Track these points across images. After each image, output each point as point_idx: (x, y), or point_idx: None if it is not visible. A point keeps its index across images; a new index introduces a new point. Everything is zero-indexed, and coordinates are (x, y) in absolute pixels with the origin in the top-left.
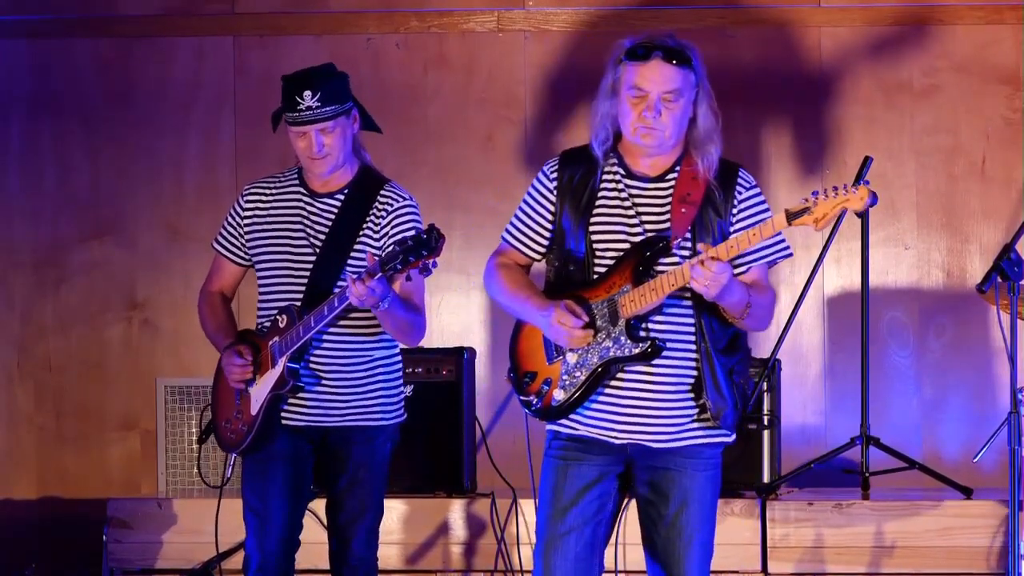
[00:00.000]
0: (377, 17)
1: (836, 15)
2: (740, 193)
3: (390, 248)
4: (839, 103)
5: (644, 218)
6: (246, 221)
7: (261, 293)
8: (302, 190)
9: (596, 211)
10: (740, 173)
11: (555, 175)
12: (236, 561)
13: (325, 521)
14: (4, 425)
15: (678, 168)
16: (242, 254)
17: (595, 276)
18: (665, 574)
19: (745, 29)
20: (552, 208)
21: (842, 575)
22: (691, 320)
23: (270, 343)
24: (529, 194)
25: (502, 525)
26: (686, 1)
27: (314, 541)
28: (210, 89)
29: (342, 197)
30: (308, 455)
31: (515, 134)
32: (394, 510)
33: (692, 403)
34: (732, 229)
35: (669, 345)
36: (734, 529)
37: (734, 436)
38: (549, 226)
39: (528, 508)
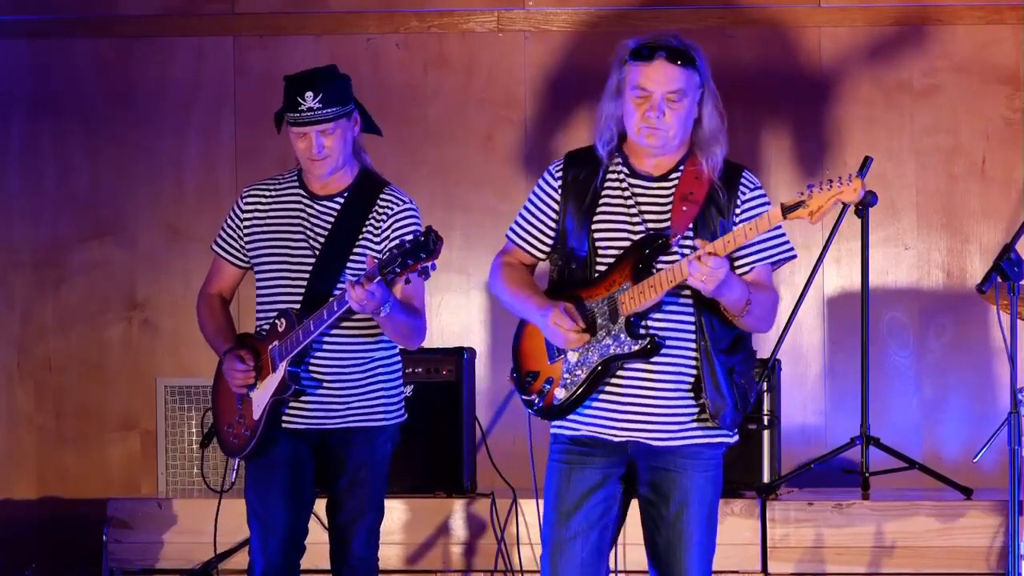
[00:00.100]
0: (377, 17)
1: (836, 15)
2: (744, 193)
3: (388, 252)
4: (839, 103)
5: (646, 216)
6: (245, 223)
7: (260, 295)
8: (302, 192)
9: (599, 210)
10: (744, 174)
11: (560, 175)
12: (236, 561)
13: (326, 521)
14: (4, 425)
15: (682, 168)
16: (241, 256)
17: (596, 274)
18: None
19: (745, 29)
20: (556, 208)
21: (842, 575)
22: (691, 318)
23: (270, 347)
24: (534, 193)
25: (502, 525)
26: (686, 1)
27: (314, 541)
28: (210, 89)
29: (342, 200)
30: (308, 458)
31: (515, 134)
32: (394, 510)
33: (692, 402)
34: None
35: (669, 343)
36: (734, 529)
37: (736, 437)
38: (553, 225)
39: (528, 508)
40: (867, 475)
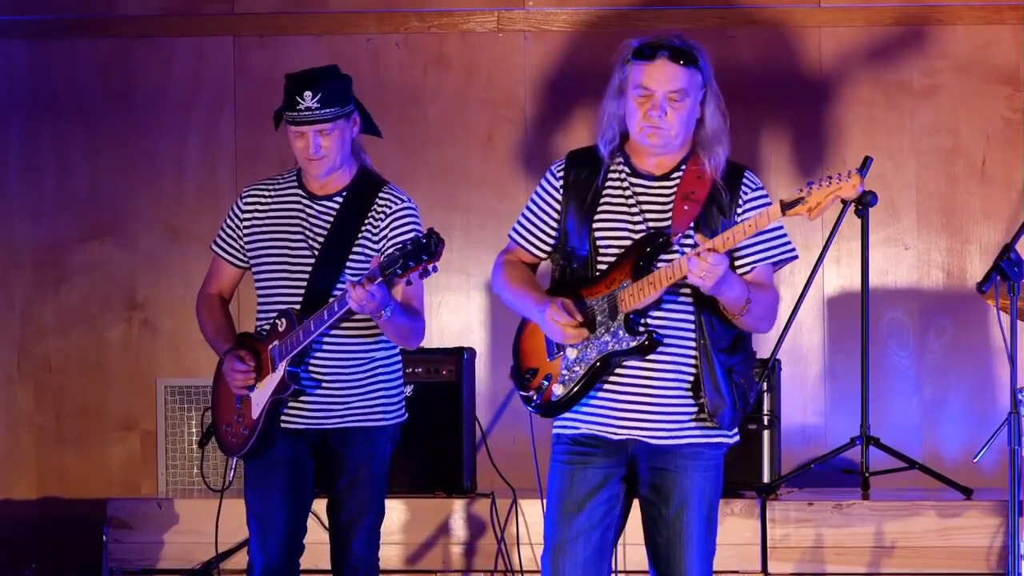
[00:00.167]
0: (377, 17)
1: (836, 15)
2: (746, 194)
3: (389, 252)
4: (839, 103)
5: (647, 215)
6: (245, 223)
7: (260, 295)
8: (301, 192)
9: (600, 209)
10: (746, 174)
11: (562, 174)
12: (236, 561)
13: (326, 521)
14: (4, 425)
15: (683, 167)
16: (241, 256)
17: (597, 273)
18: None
19: (745, 29)
20: (558, 207)
21: (842, 575)
22: (691, 316)
23: (270, 347)
24: (536, 193)
25: (502, 525)
26: (686, 1)
27: (315, 541)
28: (210, 89)
29: (341, 199)
30: (308, 458)
31: (515, 134)
32: (394, 510)
33: (692, 401)
34: None
35: (668, 341)
36: (734, 529)
37: (737, 437)
38: (555, 225)
39: (528, 508)
40: (867, 475)
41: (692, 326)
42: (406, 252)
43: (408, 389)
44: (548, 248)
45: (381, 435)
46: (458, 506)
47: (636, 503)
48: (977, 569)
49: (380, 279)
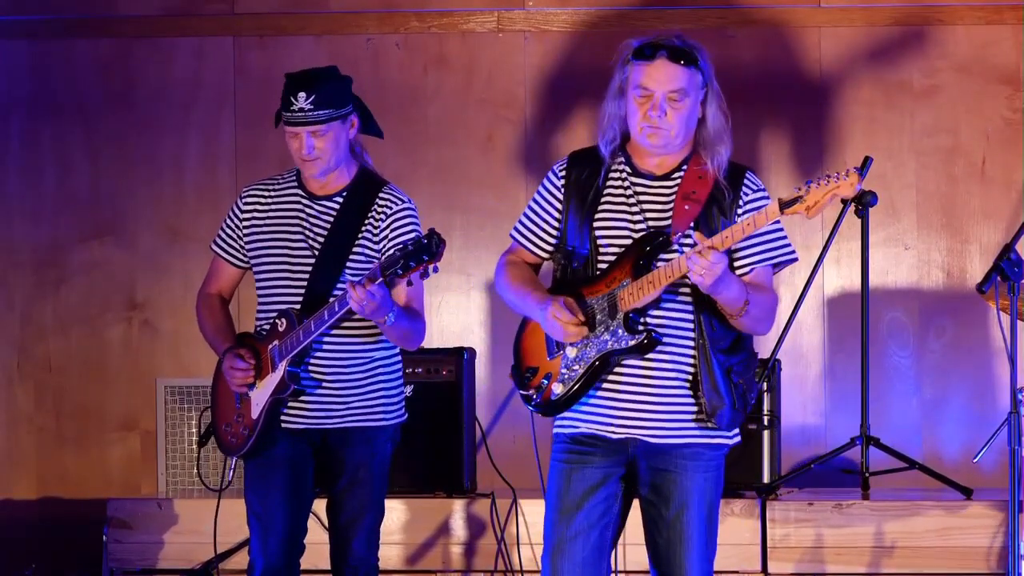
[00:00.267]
0: (377, 17)
1: (836, 15)
2: (747, 195)
3: (390, 253)
4: (839, 103)
5: (648, 215)
6: (245, 223)
7: (260, 295)
8: (301, 192)
9: (601, 208)
10: (748, 175)
11: (563, 174)
12: (236, 561)
13: (326, 521)
14: (4, 425)
15: (685, 167)
16: (241, 256)
17: (597, 272)
18: None
19: (745, 29)
20: (559, 207)
21: (842, 575)
22: (690, 316)
23: (270, 347)
24: (538, 193)
25: (502, 525)
26: (686, 1)
27: (315, 541)
28: (210, 89)
29: (340, 200)
30: (308, 458)
31: (515, 134)
32: (394, 510)
33: (691, 401)
34: None
35: (667, 340)
36: (734, 529)
37: (738, 438)
38: (556, 224)
39: (528, 508)
40: (867, 475)
41: (691, 326)
42: (407, 252)
43: (408, 389)
44: (550, 248)
45: (381, 435)
46: (458, 506)
47: (636, 503)
48: (977, 569)
49: (380, 279)
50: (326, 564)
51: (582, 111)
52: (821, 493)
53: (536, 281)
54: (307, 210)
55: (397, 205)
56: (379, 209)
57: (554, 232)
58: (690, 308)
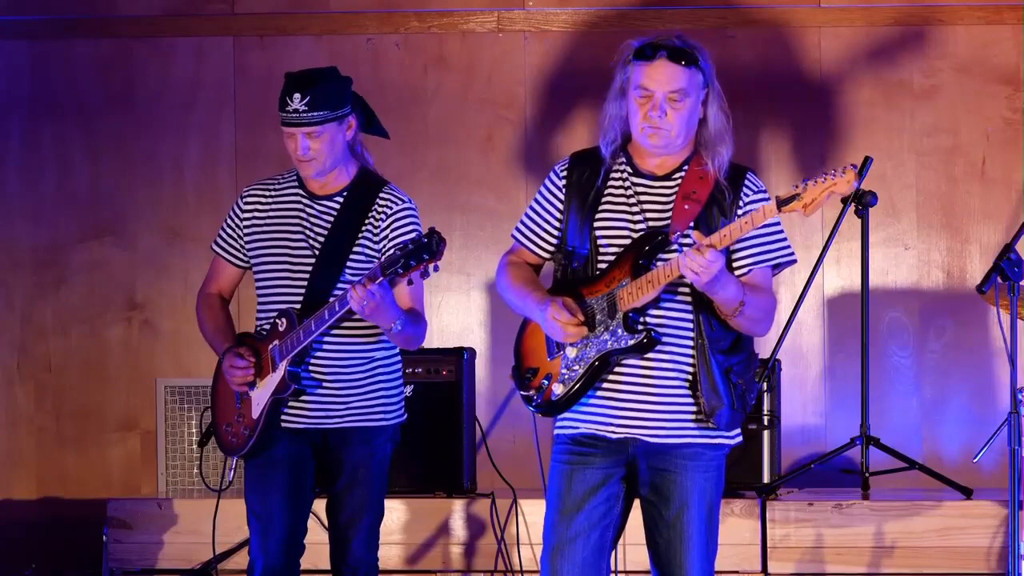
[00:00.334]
0: (377, 17)
1: (836, 15)
2: (747, 195)
3: (391, 252)
4: (839, 103)
5: (648, 215)
6: (245, 223)
7: (260, 295)
8: (301, 192)
9: (601, 208)
10: (749, 176)
11: (565, 174)
12: (235, 561)
13: (325, 521)
14: (4, 425)
15: (686, 167)
16: (241, 256)
17: (597, 272)
18: None
19: (745, 29)
20: (560, 207)
21: (842, 575)
22: (689, 316)
23: (270, 347)
24: (539, 193)
25: (502, 525)
26: (686, 1)
27: (315, 541)
28: (210, 89)
29: (341, 199)
30: (309, 458)
31: (515, 134)
32: (394, 510)
33: (691, 401)
34: None
35: (666, 340)
36: (734, 529)
37: (739, 438)
38: (557, 224)
39: (528, 508)
40: (867, 475)
41: (690, 326)
42: (408, 251)
43: (408, 389)
44: (551, 248)
45: (381, 435)
46: (458, 506)
47: (637, 503)
48: (977, 569)
49: (381, 278)
50: (326, 564)
51: (582, 111)
52: (821, 493)
53: (536, 282)
54: (307, 210)
55: (397, 205)
56: (379, 209)
57: (555, 232)
58: (689, 308)
